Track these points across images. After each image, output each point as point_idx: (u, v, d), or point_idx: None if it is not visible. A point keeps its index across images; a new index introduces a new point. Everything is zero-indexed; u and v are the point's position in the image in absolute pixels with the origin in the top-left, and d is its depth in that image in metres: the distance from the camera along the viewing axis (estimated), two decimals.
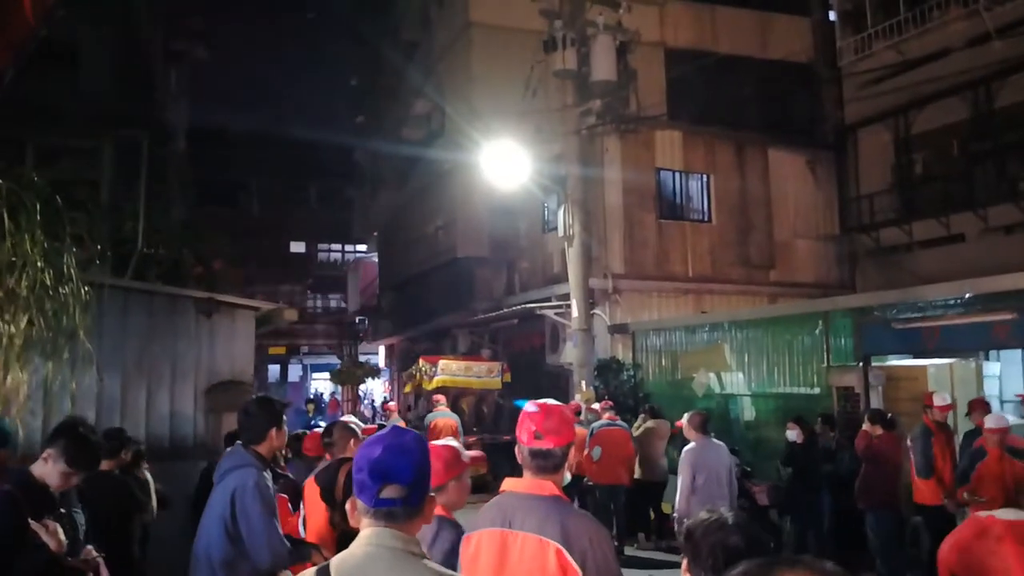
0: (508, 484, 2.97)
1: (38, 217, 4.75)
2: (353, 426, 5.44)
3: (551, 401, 3.04)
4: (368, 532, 2.13)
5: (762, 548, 2.16)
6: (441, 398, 14.30)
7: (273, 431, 4.31)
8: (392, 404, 14.37)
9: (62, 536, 3.87)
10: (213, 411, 7.90)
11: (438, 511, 3.29)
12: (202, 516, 4.22)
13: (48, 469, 3.92)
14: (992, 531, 3.39)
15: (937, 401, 8.30)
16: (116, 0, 15.34)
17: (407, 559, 2.09)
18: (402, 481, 2.13)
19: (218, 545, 4.01)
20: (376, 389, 35.96)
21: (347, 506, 2.21)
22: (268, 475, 4.16)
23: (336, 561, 2.12)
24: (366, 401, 33.50)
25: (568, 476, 2.96)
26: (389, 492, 2.12)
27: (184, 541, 4.61)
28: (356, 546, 2.14)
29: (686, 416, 8.74)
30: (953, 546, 3.53)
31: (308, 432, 8.47)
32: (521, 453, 2.91)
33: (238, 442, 4.34)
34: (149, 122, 15.25)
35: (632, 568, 10.11)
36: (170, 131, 19.51)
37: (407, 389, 16.57)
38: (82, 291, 5.22)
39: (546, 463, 2.86)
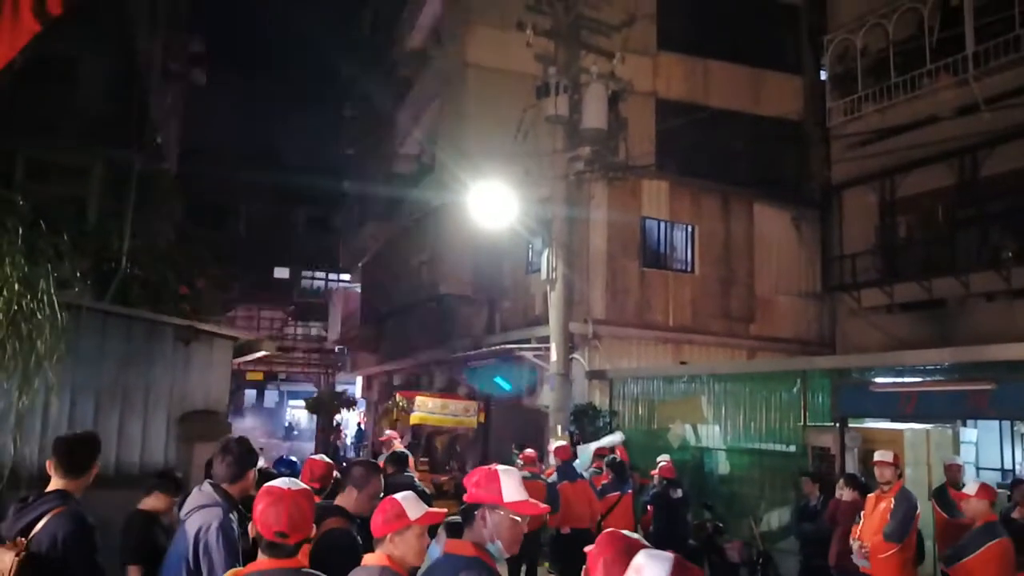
0: (447, 545, 3.18)
1: (20, 242, 4.72)
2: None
3: (498, 466, 3.21)
4: None
5: None
6: (395, 435, 13.39)
7: (251, 473, 4.28)
8: (391, 432, 13.57)
9: None
10: (185, 440, 7.81)
11: (386, 562, 3.30)
12: (167, 553, 4.16)
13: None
14: None
15: (877, 457, 7.98)
16: (116, 20, 15.38)
17: None
18: None
19: None
20: (351, 420, 35.76)
21: None
22: (235, 516, 4.10)
23: None
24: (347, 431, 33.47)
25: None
26: None
27: None
28: None
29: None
30: None
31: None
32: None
33: (207, 480, 4.28)
34: (142, 143, 15.24)
35: None
36: (162, 152, 19.49)
37: (384, 424, 16.42)
38: (59, 315, 5.16)
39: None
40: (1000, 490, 10.00)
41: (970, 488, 6.83)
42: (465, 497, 3.18)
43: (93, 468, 4.32)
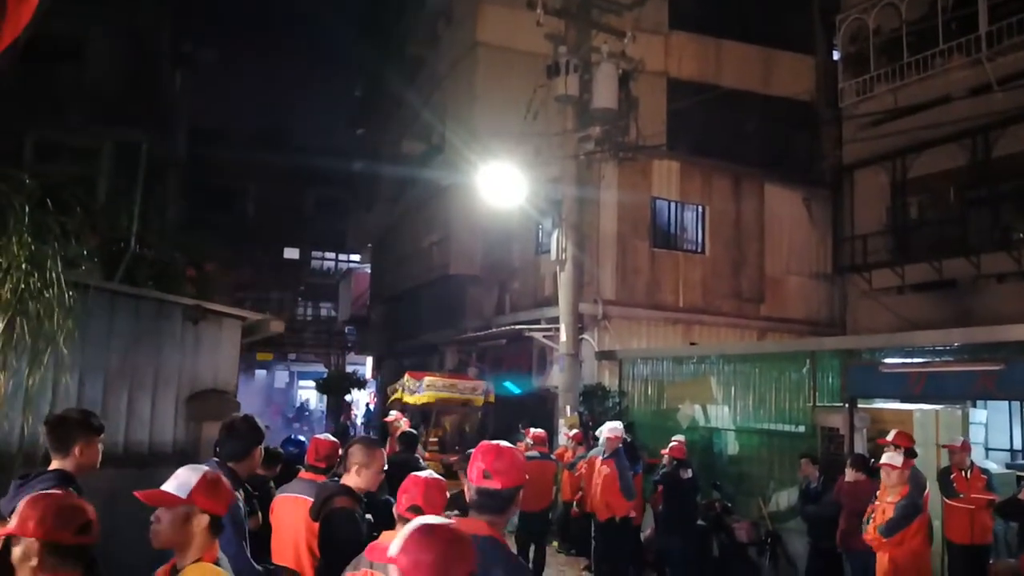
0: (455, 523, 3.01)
1: (26, 221, 4.73)
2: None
3: (504, 443, 3.08)
4: None
5: None
6: (399, 416, 12.22)
7: (257, 451, 4.29)
8: (396, 414, 12.60)
9: None
10: (194, 419, 7.83)
11: None
12: None
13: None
14: None
15: (884, 460, 7.70)
16: (126, 0, 15.36)
17: None
18: None
19: None
20: (361, 400, 35.89)
21: None
22: (241, 495, 4.11)
23: None
24: (356, 411, 33.54)
25: (515, 521, 3.00)
26: None
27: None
28: None
29: None
30: None
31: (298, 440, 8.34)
32: (469, 491, 2.96)
33: (213, 458, 4.29)
34: (151, 124, 15.23)
35: None
36: (171, 133, 19.50)
37: (394, 403, 16.44)
38: (66, 295, 5.18)
39: (490, 503, 2.89)
40: (1008, 471, 9.99)
41: (896, 460, 6.84)
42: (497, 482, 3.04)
43: (76, 446, 4.04)
